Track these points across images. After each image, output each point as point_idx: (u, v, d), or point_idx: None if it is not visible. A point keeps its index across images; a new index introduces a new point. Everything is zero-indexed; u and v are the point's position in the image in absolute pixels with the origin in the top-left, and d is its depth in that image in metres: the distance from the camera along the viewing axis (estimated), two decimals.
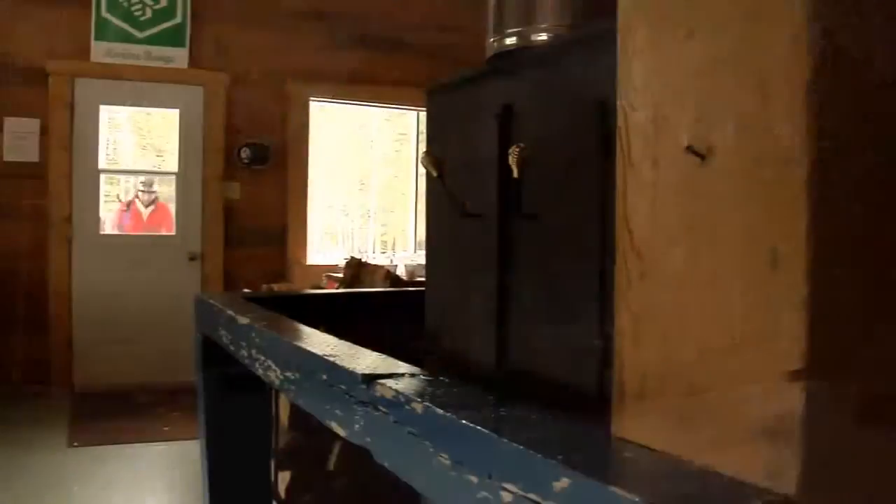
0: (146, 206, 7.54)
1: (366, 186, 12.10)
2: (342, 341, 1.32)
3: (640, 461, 0.78)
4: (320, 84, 7.06)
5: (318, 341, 1.33)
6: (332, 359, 1.15)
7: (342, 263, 6.37)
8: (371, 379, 1.03)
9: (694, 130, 0.79)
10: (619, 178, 0.90)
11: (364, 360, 1.14)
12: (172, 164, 7.09)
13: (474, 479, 0.82)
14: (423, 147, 7.63)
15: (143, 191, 7.63)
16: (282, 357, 1.37)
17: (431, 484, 0.90)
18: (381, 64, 7.14)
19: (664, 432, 0.82)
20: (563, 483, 0.70)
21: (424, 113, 6.93)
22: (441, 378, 1.04)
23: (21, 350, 6.36)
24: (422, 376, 1.05)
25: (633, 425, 0.86)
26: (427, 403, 0.90)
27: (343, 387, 1.10)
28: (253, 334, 1.53)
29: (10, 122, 6.35)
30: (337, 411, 1.13)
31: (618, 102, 0.92)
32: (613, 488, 0.66)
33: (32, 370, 6.41)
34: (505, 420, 0.85)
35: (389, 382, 1.00)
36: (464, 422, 0.84)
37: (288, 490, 2.80)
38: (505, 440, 0.78)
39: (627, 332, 0.87)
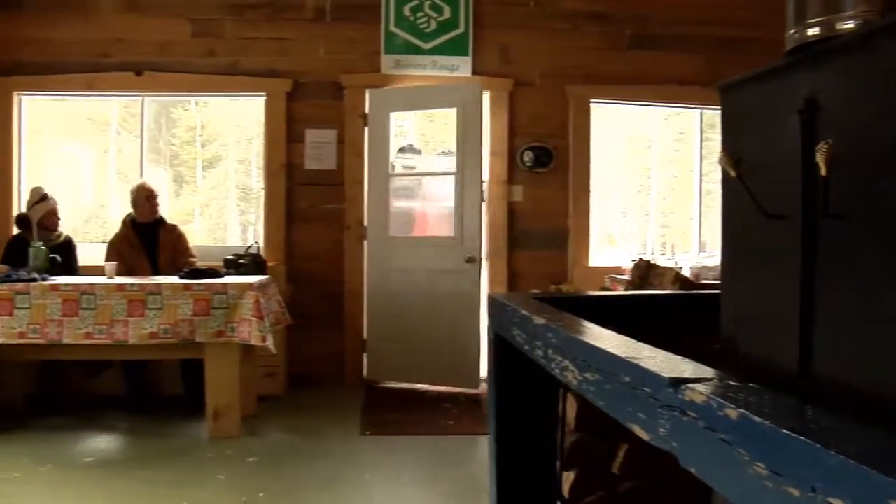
0: None
1: (644, 188, 11.91)
2: (642, 344, 1.30)
3: None
4: (600, 85, 7.03)
5: (617, 343, 1.32)
6: (635, 361, 1.14)
7: (625, 265, 6.31)
8: (678, 383, 1.01)
9: None
10: None
11: (668, 364, 1.12)
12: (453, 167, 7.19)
13: (795, 491, 0.78)
14: (706, 146, 7.41)
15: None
16: (580, 358, 1.38)
17: (745, 494, 0.87)
18: (661, 62, 7.01)
19: None
20: None
21: (707, 111, 6.66)
22: (751, 384, 1.00)
23: (319, 345, 6.84)
24: (731, 382, 1.02)
25: None
26: (742, 410, 0.87)
27: (647, 390, 1.09)
28: (549, 334, 1.55)
29: (311, 134, 6.87)
30: (640, 414, 1.12)
31: None
32: None
33: (329, 364, 6.87)
34: (830, 431, 0.80)
35: (699, 387, 0.97)
36: (784, 431, 0.80)
37: (572, 490, 2.81)
38: (832, 452, 0.74)
39: None
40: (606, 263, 7.24)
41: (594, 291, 4.60)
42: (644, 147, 11.82)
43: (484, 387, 6.38)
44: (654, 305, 2.50)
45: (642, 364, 1.12)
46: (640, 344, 1.31)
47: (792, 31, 1.78)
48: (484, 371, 6.21)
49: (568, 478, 2.81)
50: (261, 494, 4.08)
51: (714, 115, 7.48)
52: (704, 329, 2.09)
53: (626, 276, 5.48)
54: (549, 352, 1.54)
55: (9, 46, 6.75)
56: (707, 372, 1.07)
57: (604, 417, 1.40)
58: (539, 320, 1.63)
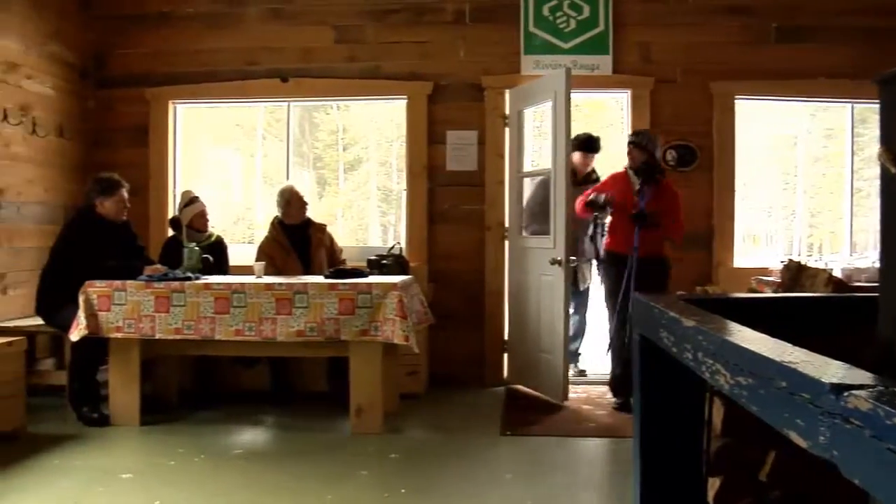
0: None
1: (790, 186, 11.53)
2: (799, 348, 1.27)
3: None
4: (744, 81, 6.80)
5: (772, 346, 1.29)
6: (792, 366, 1.11)
7: (771, 266, 6.10)
8: (840, 389, 0.98)
9: None
10: None
11: (828, 369, 1.09)
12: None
13: None
14: (857, 142, 7.10)
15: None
16: (732, 361, 1.35)
17: None
18: (808, 56, 6.73)
19: None
20: None
21: (859, 105, 6.38)
22: None
23: (460, 345, 6.89)
24: None
25: None
26: None
27: (806, 396, 1.06)
28: (700, 337, 1.52)
29: (452, 135, 6.94)
30: (798, 421, 1.09)
31: None
32: None
33: (469, 364, 6.91)
34: None
35: (862, 394, 0.94)
36: None
37: (717, 496, 2.75)
38: None
39: None
40: (751, 264, 7.03)
41: (741, 293, 4.48)
42: (790, 144, 11.43)
43: (572, 396, 6.28)
44: (804, 308, 2.42)
45: (800, 369, 1.09)
46: (796, 348, 1.27)
47: None
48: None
49: (714, 484, 2.75)
50: (402, 491, 4.15)
51: (865, 110, 7.16)
52: (858, 333, 2.01)
53: (773, 278, 5.31)
54: (700, 355, 1.52)
55: (165, 58, 7.12)
56: (869, 378, 1.04)
57: (752, 423, 1.36)
58: (689, 322, 1.60)
